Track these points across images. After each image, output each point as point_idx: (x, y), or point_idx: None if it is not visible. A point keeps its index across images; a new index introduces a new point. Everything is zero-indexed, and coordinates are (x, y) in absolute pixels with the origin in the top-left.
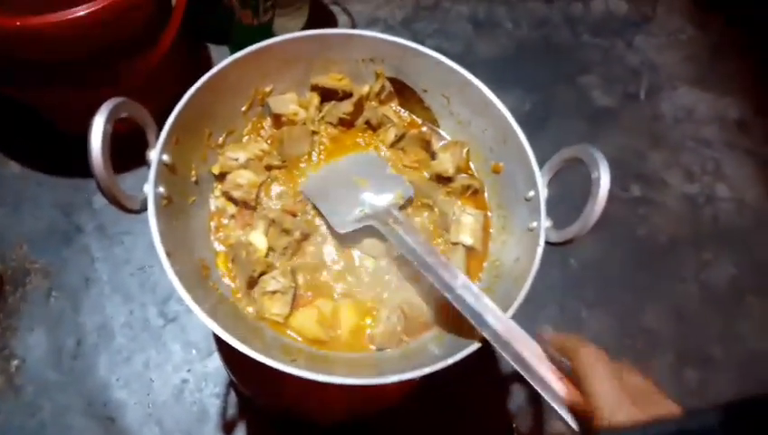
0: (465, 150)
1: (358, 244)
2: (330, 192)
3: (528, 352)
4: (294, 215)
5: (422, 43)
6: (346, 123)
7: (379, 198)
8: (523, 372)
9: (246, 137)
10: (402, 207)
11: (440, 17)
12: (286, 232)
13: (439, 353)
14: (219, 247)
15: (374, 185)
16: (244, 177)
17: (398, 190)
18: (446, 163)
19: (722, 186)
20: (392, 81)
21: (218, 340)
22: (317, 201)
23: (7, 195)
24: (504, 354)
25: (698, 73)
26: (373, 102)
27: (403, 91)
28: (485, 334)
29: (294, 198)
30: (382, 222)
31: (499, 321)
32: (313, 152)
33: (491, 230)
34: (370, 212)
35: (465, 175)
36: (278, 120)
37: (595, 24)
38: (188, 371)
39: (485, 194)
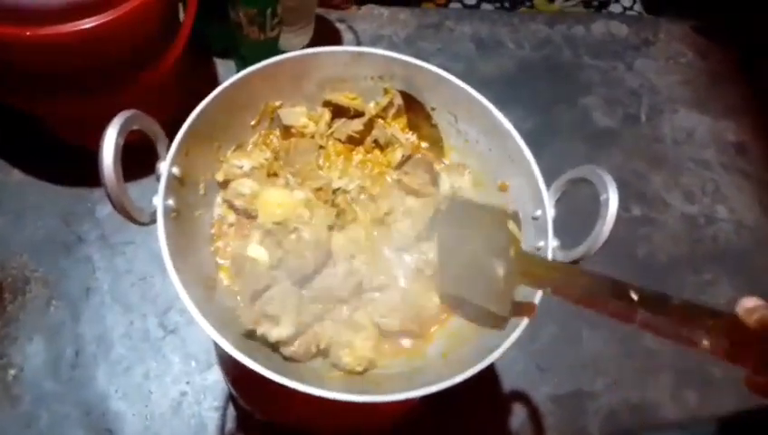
0: (466, 172)
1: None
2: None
3: None
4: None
5: (425, 62)
6: (354, 141)
7: None
8: None
9: (251, 145)
10: None
11: (444, 36)
12: (280, 245)
13: (444, 372)
14: (222, 261)
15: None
16: (247, 186)
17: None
18: (444, 186)
19: (721, 207)
20: (403, 94)
21: (219, 353)
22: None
23: (9, 203)
24: None
25: (697, 97)
26: (381, 121)
27: (412, 106)
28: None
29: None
30: (524, 274)
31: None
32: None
33: None
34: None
35: None
36: (288, 132)
37: (596, 47)
38: (187, 383)
39: None
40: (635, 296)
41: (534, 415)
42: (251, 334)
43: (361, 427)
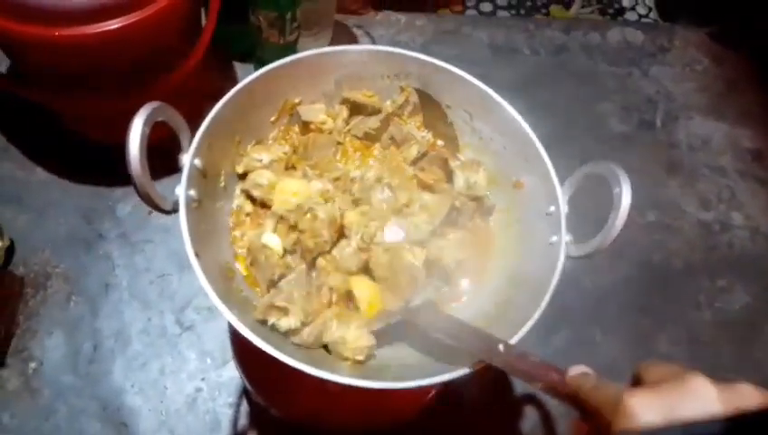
0: (481, 169)
1: None
2: None
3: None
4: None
5: None
6: (371, 138)
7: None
8: None
9: (271, 140)
10: None
11: (460, 43)
12: (294, 228)
13: (459, 362)
14: (240, 250)
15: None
16: (265, 176)
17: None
18: (459, 181)
19: (737, 214)
20: (419, 93)
21: (235, 348)
22: None
23: (32, 200)
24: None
25: (713, 104)
26: (397, 118)
27: (427, 104)
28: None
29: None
30: (413, 313)
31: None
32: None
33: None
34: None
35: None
36: (306, 128)
37: (612, 53)
38: (203, 379)
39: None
40: (501, 348)
41: (546, 419)
42: (263, 323)
43: (374, 423)
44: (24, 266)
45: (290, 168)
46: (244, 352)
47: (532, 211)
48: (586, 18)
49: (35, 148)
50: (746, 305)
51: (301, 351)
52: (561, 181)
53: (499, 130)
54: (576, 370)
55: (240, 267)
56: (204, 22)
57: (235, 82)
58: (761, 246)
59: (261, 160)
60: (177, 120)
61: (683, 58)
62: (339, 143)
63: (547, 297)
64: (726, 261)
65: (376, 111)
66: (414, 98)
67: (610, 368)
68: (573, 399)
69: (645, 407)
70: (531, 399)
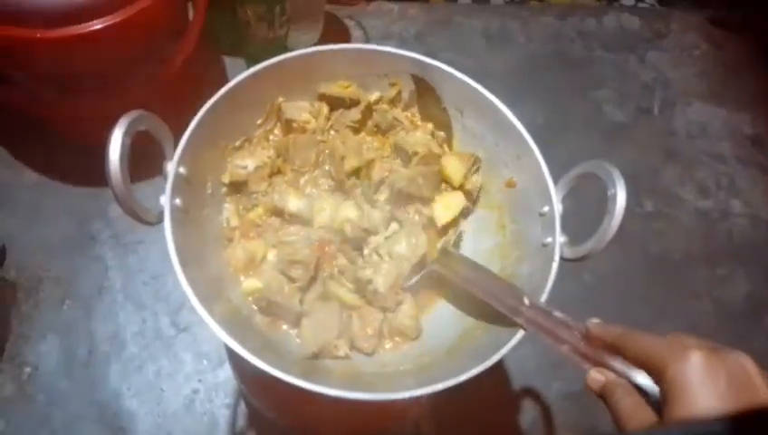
0: (473, 161)
1: None
2: None
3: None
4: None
5: (435, 57)
6: (354, 130)
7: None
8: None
9: (254, 142)
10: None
11: (453, 32)
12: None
13: (451, 369)
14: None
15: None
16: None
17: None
18: (450, 168)
19: (736, 201)
20: (416, 80)
21: (230, 351)
22: None
23: (23, 203)
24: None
25: (712, 89)
26: (384, 105)
27: (424, 95)
28: (564, 351)
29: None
30: (442, 265)
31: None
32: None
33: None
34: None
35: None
36: (289, 126)
37: (608, 40)
38: (199, 381)
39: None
40: (526, 301)
41: (546, 412)
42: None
43: (370, 425)
44: (16, 271)
45: (276, 173)
46: (238, 355)
47: (525, 211)
48: (581, 4)
49: (24, 150)
50: (747, 294)
51: (296, 364)
52: (556, 179)
53: (491, 129)
54: (594, 320)
55: (233, 276)
56: (191, 17)
57: (225, 78)
58: (761, 233)
59: (245, 168)
60: (158, 128)
61: (681, 43)
62: (322, 142)
63: (543, 299)
64: (726, 249)
65: (355, 103)
66: (410, 86)
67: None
68: (605, 355)
69: (705, 358)
70: (530, 392)
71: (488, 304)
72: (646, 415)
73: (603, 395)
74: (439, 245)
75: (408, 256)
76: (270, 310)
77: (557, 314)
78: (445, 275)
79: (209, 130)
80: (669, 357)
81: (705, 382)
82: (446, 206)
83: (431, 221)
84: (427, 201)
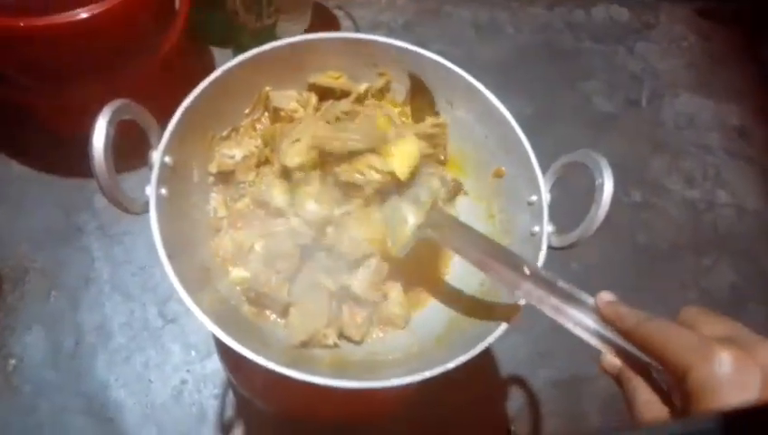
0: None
1: None
2: None
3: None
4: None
5: (424, 48)
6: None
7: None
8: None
9: (241, 131)
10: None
11: (442, 22)
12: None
13: (439, 357)
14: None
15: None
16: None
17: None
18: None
19: (722, 192)
20: (412, 78)
21: (218, 341)
22: None
23: (8, 194)
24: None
25: (700, 80)
26: (373, 100)
27: (416, 94)
28: (573, 327)
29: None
30: (435, 228)
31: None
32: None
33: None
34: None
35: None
36: (277, 115)
37: (597, 31)
38: (187, 371)
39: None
40: (527, 271)
41: (533, 400)
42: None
43: (359, 413)
44: (1, 262)
45: (263, 163)
46: (226, 345)
47: (513, 200)
48: None
49: (10, 141)
50: (732, 284)
51: (284, 353)
52: (544, 169)
53: (480, 119)
54: (606, 297)
55: (220, 266)
56: (177, 6)
57: (213, 68)
58: (747, 224)
59: (233, 157)
60: (143, 117)
61: (669, 34)
62: None
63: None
64: (712, 240)
65: (345, 94)
66: (404, 82)
67: (596, 348)
68: (619, 340)
69: (734, 358)
70: (517, 380)
71: (478, 291)
72: (663, 409)
73: (619, 380)
74: (428, 206)
75: (352, 252)
76: (258, 301)
77: (561, 284)
78: (437, 240)
79: (196, 118)
80: (694, 356)
81: (735, 384)
82: (402, 155)
83: (394, 177)
84: (379, 154)
